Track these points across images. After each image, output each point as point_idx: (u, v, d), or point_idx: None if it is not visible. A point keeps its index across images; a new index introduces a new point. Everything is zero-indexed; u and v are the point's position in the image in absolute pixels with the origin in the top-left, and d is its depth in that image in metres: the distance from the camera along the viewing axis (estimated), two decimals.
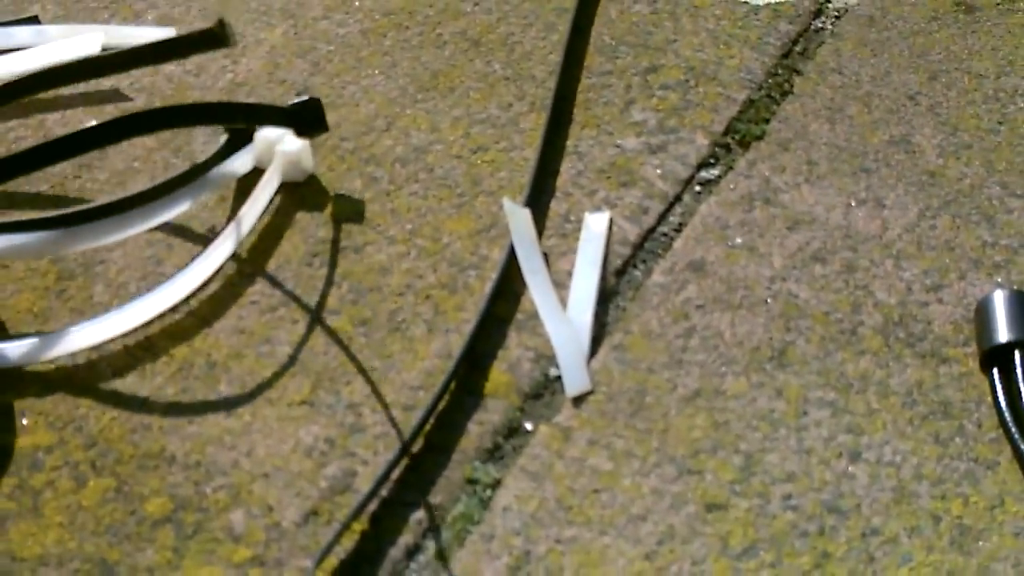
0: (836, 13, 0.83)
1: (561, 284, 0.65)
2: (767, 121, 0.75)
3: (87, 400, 0.60)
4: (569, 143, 0.73)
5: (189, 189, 0.66)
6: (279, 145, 0.68)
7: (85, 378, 0.61)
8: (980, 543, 0.55)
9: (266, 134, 0.69)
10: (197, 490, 0.56)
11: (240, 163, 0.69)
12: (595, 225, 0.68)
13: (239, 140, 0.70)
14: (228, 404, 0.60)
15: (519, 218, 0.67)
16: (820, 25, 0.83)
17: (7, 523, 0.55)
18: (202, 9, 0.83)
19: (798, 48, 0.81)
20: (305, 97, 0.69)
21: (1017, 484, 0.57)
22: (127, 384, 0.61)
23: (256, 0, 0.84)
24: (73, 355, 0.61)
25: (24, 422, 0.59)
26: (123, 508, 0.56)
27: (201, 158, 0.70)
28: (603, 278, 0.66)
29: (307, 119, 0.69)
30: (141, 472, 0.57)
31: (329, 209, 0.69)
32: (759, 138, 0.74)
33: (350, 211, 0.69)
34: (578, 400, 0.60)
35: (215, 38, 0.65)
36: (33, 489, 0.56)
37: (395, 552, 0.54)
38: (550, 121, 0.73)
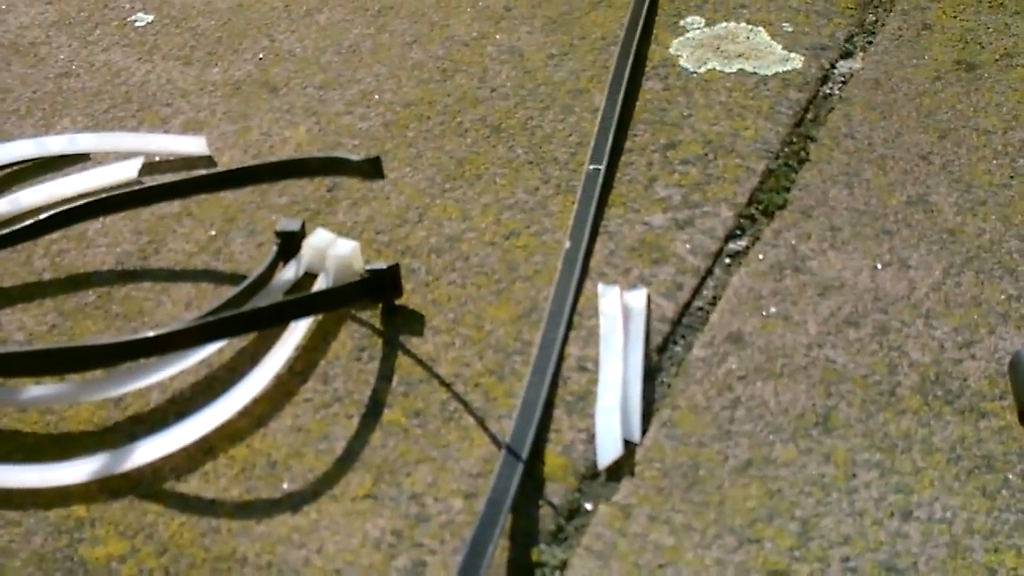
0: (842, 78, 0.86)
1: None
2: (788, 190, 0.77)
3: (155, 506, 0.61)
4: (599, 225, 0.75)
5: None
6: (331, 249, 0.70)
7: (151, 484, 0.62)
8: None
9: (314, 242, 0.71)
10: None
11: (292, 273, 0.71)
12: (634, 303, 0.70)
13: (289, 248, 0.71)
14: (293, 502, 0.61)
15: (610, 299, 0.69)
16: (828, 91, 0.85)
17: None
18: (226, 112, 0.85)
19: (809, 115, 0.83)
20: (382, 265, 0.69)
21: None
22: (192, 487, 0.62)
23: (278, 99, 0.86)
24: None
25: (96, 532, 0.60)
26: None
27: (242, 259, 0.72)
28: (646, 356, 0.67)
29: (382, 286, 0.70)
30: None
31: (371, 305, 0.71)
32: (782, 207, 0.76)
33: (393, 304, 0.71)
34: (634, 477, 0.62)
35: (369, 170, 0.69)
36: None
37: None
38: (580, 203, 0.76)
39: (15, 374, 0.66)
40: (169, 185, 0.75)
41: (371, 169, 0.68)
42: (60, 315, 0.71)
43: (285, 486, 0.62)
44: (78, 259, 0.75)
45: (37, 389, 0.65)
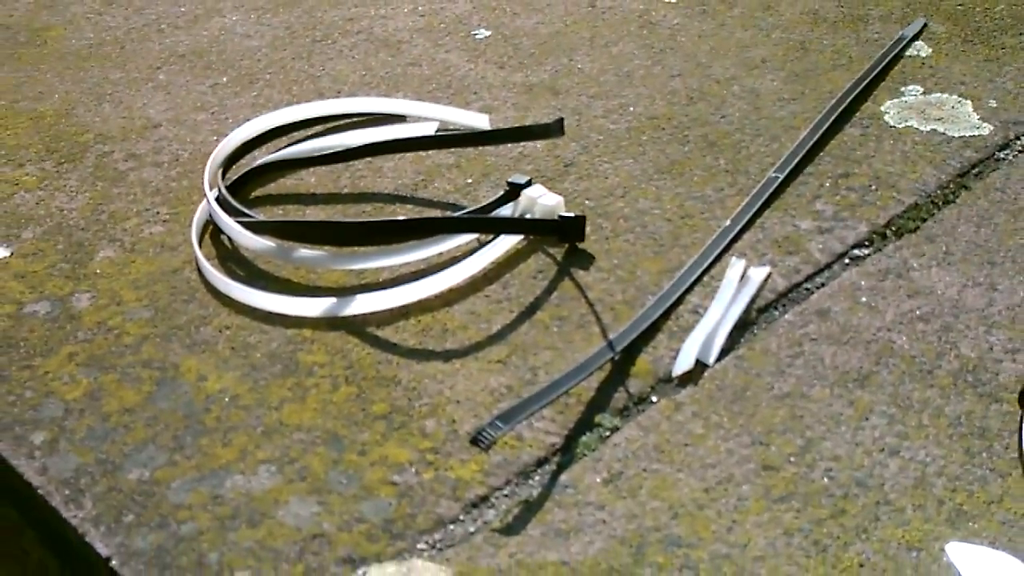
0: (1021, 148, 1.00)
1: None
2: (924, 220, 0.93)
3: (355, 339, 0.86)
4: (757, 220, 0.94)
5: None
6: (541, 199, 0.93)
7: (356, 325, 0.87)
8: (970, 523, 0.71)
9: (531, 192, 0.94)
10: (409, 404, 0.80)
11: (508, 211, 0.94)
12: (755, 276, 0.88)
13: (512, 194, 0.95)
14: (447, 356, 0.84)
15: (736, 269, 0.89)
16: (1002, 156, 1.00)
17: (283, 404, 0.81)
18: (514, 103, 1.10)
19: (975, 171, 0.98)
20: (572, 214, 0.92)
21: (1021, 490, 0.72)
22: (384, 334, 0.86)
23: (557, 100, 1.10)
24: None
25: (311, 347, 0.85)
26: (358, 406, 0.80)
27: (483, 202, 0.96)
28: (747, 311, 0.85)
29: (569, 230, 0.93)
30: (376, 387, 0.81)
31: (559, 244, 0.93)
32: (912, 231, 0.92)
33: (575, 247, 0.92)
34: (696, 386, 0.80)
35: (550, 131, 0.94)
36: (304, 387, 0.82)
37: (528, 459, 0.76)
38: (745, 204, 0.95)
39: (298, 239, 0.93)
40: (416, 139, 1.01)
41: (556, 128, 0.91)
42: (343, 216, 0.98)
43: (447, 345, 0.85)
44: (370, 183, 1.01)
45: (304, 252, 0.91)
